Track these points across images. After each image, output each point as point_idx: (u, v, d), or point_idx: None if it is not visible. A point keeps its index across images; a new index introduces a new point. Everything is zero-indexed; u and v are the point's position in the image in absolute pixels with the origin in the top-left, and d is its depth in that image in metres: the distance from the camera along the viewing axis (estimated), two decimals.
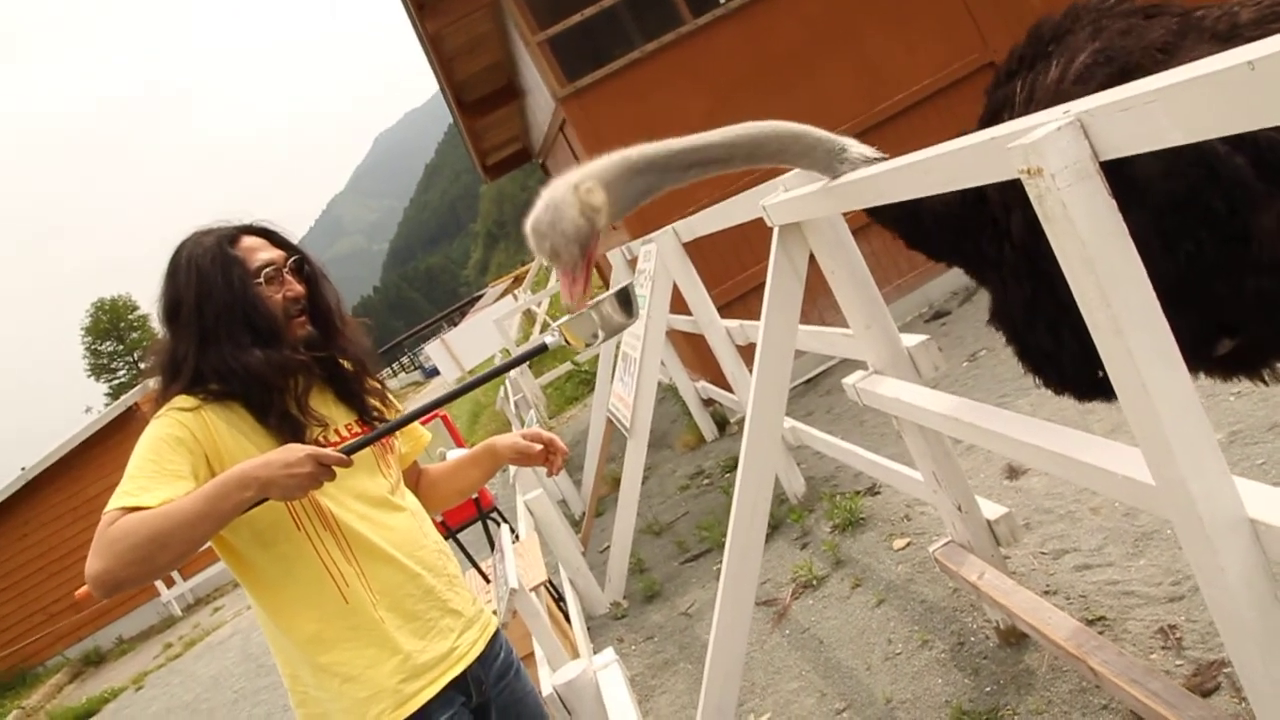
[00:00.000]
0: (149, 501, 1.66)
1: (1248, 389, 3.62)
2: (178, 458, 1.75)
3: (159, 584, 14.83)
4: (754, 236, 7.51)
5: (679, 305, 5.76)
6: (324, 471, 1.71)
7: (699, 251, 5.70)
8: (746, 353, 5.56)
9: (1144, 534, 3.33)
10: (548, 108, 8.43)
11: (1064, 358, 2.11)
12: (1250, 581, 1.35)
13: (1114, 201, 1.26)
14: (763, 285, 8.43)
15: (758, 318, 5.26)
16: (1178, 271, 1.63)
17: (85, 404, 55.81)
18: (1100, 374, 2.08)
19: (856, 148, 2.35)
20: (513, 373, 12.14)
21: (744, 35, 7.60)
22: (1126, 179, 1.52)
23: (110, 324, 49.91)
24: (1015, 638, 3.11)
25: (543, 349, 1.92)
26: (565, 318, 1.88)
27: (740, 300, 7.49)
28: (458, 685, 1.98)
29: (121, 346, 49.94)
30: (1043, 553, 3.59)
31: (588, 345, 1.88)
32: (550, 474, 2.27)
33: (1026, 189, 1.31)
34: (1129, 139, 1.20)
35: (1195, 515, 1.34)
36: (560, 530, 5.23)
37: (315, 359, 1.96)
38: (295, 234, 2.14)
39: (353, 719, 1.85)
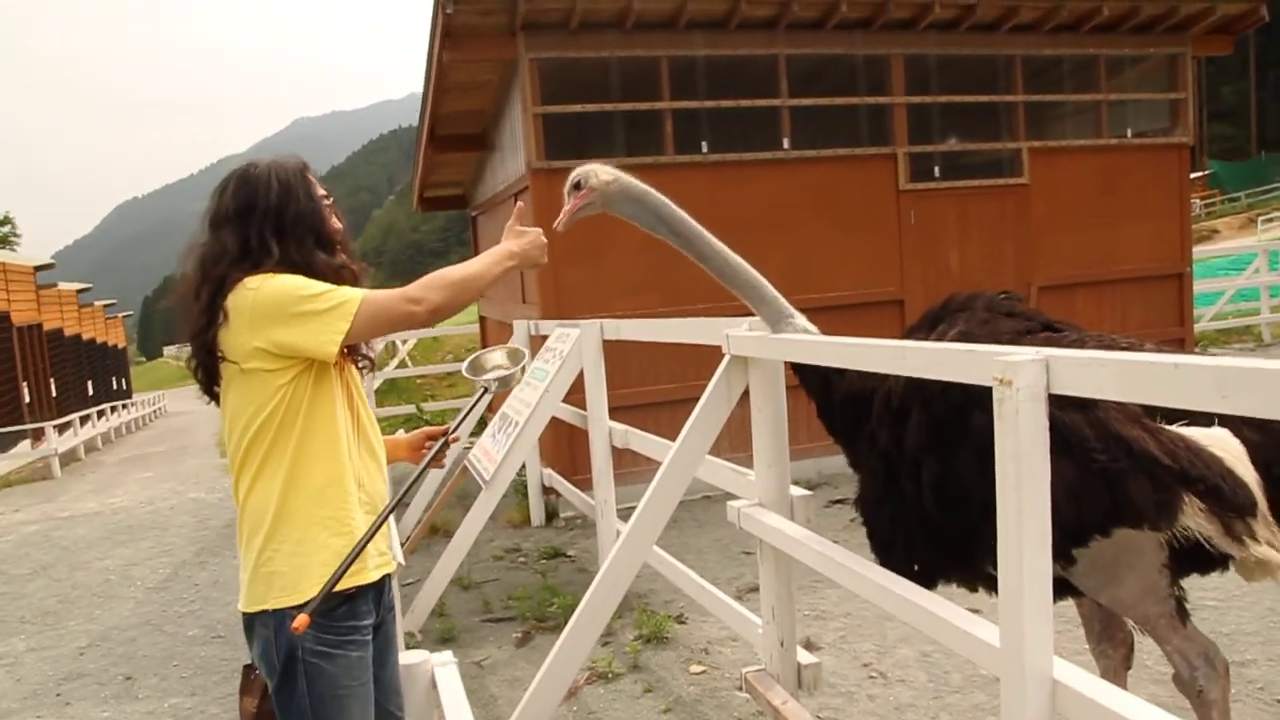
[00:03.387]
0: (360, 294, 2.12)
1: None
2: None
3: None
4: (664, 358, 7.98)
5: (571, 393, 6.07)
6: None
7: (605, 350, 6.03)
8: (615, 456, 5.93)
9: None
10: (515, 172, 8.84)
11: (897, 545, 2.73)
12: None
13: (1048, 423, 1.74)
14: (641, 406, 8.72)
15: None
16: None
17: None
18: (915, 568, 2.64)
19: (802, 320, 3.11)
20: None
21: (710, 187, 8.24)
22: (978, 428, 2.12)
23: None
24: None
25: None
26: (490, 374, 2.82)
27: (613, 410, 7.86)
28: (377, 586, 2.26)
29: None
30: (819, 717, 4.01)
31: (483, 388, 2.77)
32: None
33: (994, 392, 1.77)
34: (1077, 383, 1.68)
35: (1022, 671, 1.78)
36: None
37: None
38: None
39: (324, 571, 2.05)
